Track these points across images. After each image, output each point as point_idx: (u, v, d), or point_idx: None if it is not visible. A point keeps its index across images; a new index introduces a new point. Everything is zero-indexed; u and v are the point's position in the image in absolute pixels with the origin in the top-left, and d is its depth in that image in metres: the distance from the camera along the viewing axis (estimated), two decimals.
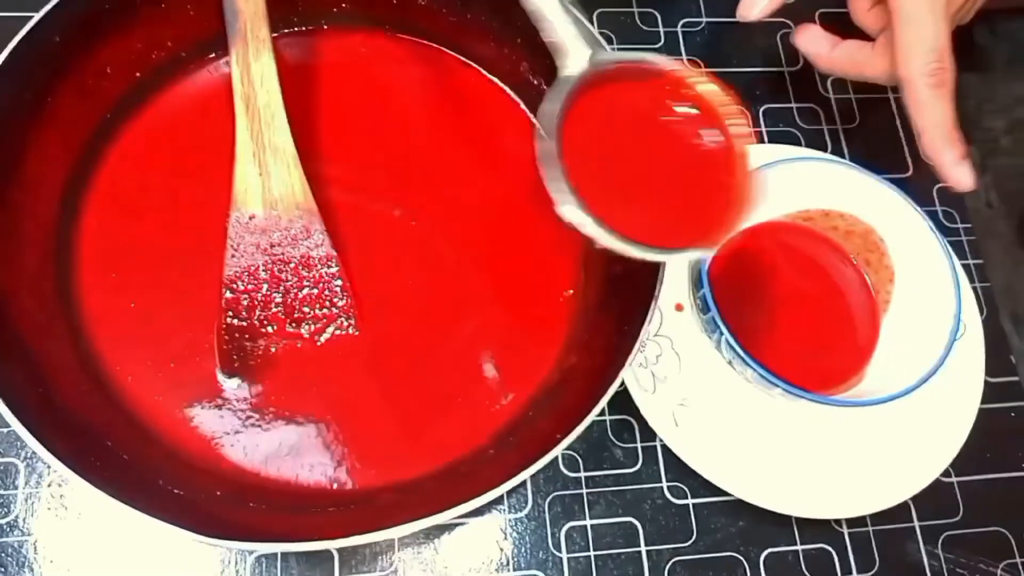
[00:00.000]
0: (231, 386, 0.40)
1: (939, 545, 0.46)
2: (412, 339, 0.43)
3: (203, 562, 0.42)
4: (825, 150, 0.55)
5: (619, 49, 0.56)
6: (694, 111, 0.36)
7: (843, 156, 0.55)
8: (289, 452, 0.40)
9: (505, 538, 0.44)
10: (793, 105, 0.56)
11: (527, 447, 0.40)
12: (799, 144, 0.54)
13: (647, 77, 0.36)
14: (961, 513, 0.47)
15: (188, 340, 0.41)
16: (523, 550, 0.43)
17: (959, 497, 0.47)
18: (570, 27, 0.35)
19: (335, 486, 0.40)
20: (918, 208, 0.45)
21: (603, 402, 0.36)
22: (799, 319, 0.48)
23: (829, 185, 0.47)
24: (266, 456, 0.40)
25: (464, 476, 0.40)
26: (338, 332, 0.42)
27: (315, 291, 0.41)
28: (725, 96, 0.36)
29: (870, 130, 0.56)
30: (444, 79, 0.49)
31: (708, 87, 0.36)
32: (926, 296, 0.45)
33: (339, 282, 0.42)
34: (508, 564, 0.43)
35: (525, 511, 0.44)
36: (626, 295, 0.41)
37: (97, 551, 0.41)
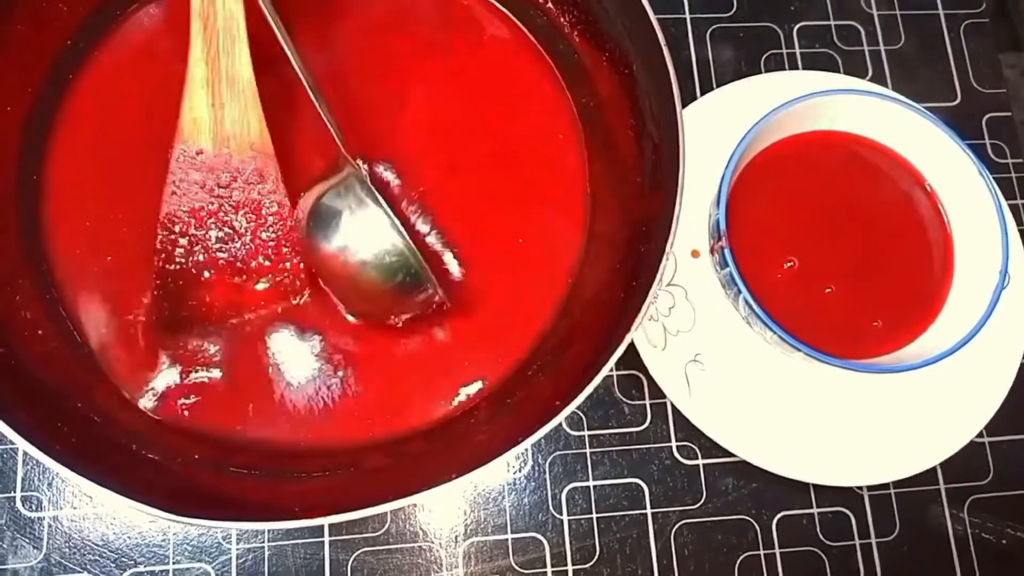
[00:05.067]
0: (177, 338, 0.38)
1: (965, 509, 0.44)
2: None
3: None
4: (865, 76, 0.49)
5: None
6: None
7: (884, 83, 0.49)
8: (261, 409, 0.38)
9: (503, 499, 0.41)
10: (832, 22, 0.51)
11: (526, 411, 0.37)
12: (837, 70, 0.49)
13: None
14: (991, 475, 0.44)
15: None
16: (521, 512, 0.41)
17: (990, 458, 0.44)
18: None
19: (314, 445, 0.38)
20: (965, 147, 0.40)
21: (607, 367, 0.34)
22: (854, 258, 0.41)
23: (868, 119, 0.42)
24: (238, 412, 0.38)
25: (457, 439, 0.38)
26: (286, 296, 0.39)
27: (262, 239, 0.38)
28: None
29: (915, 53, 0.51)
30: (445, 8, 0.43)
31: None
32: (971, 243, 0.41)
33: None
34: (506, 526, 0.41)
35: (524, 471, 0.42)
36: (636, 245, 0.38)
37: (79, 497, 0.40)
